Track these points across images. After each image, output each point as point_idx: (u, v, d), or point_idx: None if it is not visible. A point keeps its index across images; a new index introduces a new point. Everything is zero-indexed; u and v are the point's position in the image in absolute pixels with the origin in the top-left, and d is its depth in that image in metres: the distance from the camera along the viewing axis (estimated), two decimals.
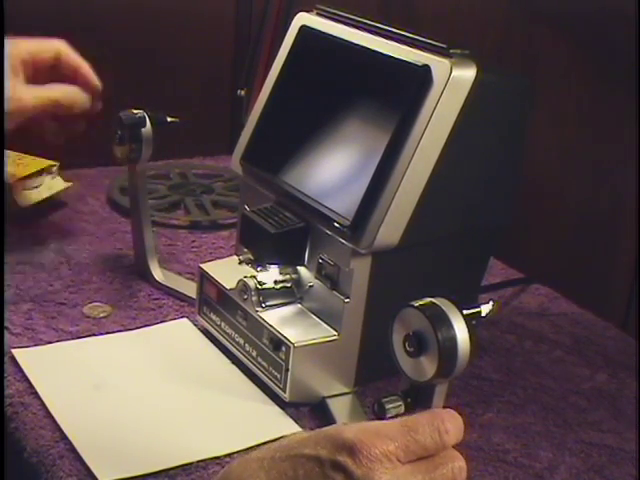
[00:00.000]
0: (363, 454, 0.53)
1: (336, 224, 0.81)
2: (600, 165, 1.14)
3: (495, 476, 0.79)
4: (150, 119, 0.99)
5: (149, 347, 0.92)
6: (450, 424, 0.57)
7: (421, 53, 0.81)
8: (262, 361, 0.86)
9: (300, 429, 0.81)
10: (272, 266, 0.86)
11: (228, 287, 0.89)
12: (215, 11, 1.41)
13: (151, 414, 0.82)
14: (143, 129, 0.98)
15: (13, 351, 0.88)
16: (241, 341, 0.89)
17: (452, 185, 0.83)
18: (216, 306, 0.92)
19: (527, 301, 1.10)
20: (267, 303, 0.86)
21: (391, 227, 0.80)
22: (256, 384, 0.87)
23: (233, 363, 0.90)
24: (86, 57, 1.06)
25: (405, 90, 0.81)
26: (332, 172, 0.85)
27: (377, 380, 0.87)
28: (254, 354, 0.87)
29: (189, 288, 0.99)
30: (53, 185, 1.20)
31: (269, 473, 0.54)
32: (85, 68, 1.05)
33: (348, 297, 0.82)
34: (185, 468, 0.75)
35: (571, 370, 0.96)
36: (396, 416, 0.59)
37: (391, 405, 0.59)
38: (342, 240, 0.82)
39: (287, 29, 0.94)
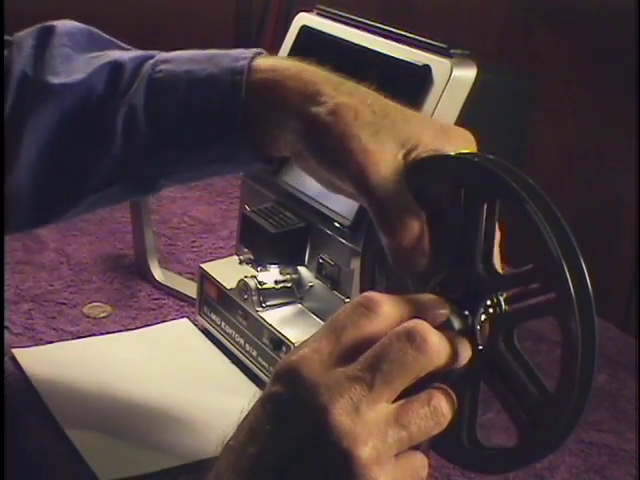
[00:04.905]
0: None
1: (336, 224, 0.81)
2: (600, 165, 1.14)
3: (495, 476, 0.78)
4: None
5: (149, 347, 0.92)
6: None
7: (421, 53, 0.81)
8: (262, 361, 0.86)
9: None
10: (272, 266, 0.86)
11: (228, 287, 0.89)
12: (215, 11, 1.41)
13: (151, 414, 0.82)
14: None
15: (13, 351, 0.88)
16: (241, 341, 0.89)
17: None
18: (216, 306, 0.92)
19: None
20: (267, 303, 0.86)
21: None
22: (256, 384, 0.87)
23: (233, 363, 0.90)
24: None
25: (405, 90, 0.80)
26: None
27: None
28: (254, 354, 0.87)
29: (189, 288, 0.99)
30: None
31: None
32: None
33: (348, 297, 0.82)
34: (185, 468, 0.76)
35: None
36: None
37: None
38: (342, 240, 0.81)
39: (287, 29, 0.94)
